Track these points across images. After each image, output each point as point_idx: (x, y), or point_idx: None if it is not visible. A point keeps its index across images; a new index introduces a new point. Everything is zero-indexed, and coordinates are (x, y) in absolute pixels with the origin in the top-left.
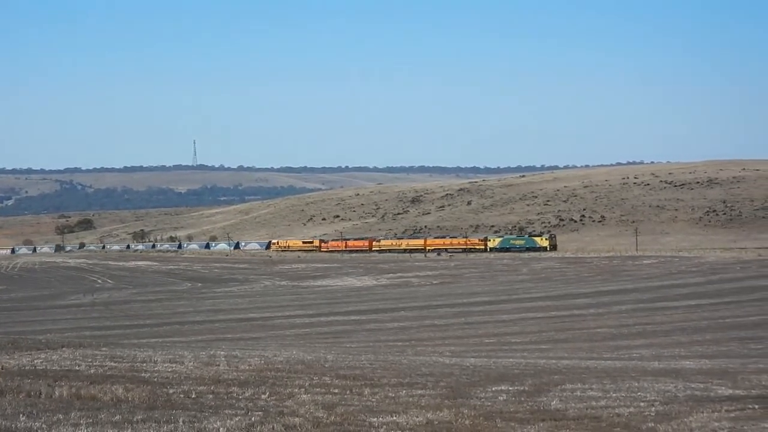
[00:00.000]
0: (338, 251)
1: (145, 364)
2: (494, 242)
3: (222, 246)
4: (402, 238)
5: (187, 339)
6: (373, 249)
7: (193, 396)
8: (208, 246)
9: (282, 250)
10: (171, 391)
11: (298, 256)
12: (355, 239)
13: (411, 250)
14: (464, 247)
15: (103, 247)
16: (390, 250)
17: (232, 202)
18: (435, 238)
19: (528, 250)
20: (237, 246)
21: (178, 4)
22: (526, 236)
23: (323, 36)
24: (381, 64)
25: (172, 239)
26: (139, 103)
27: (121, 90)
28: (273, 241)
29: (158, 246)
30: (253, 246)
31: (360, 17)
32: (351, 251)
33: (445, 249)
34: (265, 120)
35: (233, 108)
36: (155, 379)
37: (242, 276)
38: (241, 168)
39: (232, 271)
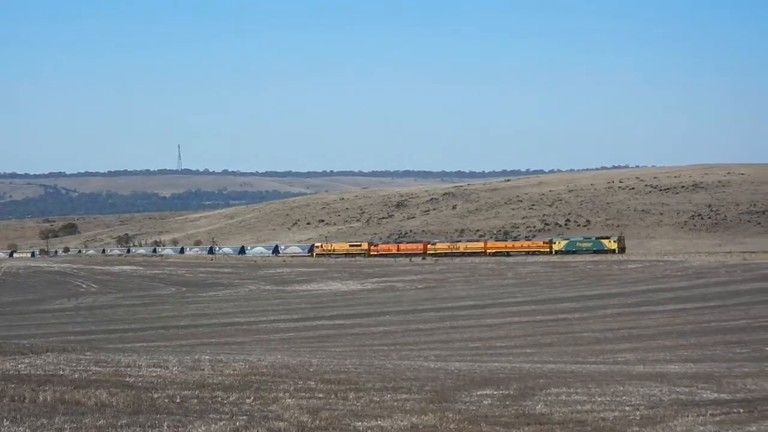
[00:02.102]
0: (390, 255)
1: (129, 369)
2: (560, 245)
3: (259, 250)
4: (459, 241)
5: (172, 343)
6: (428, 252)
7: (178, 401)
8: (243, 251)
9: (326, 254)
10: (155, 395)
11: (284, 261)
12: (409, 242)
13: (470, 254)
14: (528, 250)
15: (128, 251)
16: (447, 254)
17: (216, 206)
18: (496, 240)
19: (596, 252)
20: (276, 250)
21: (162, 9)
22: (594, 238)
23: (308, 40)
24: (366, 69)
25: (197, 242)
26: (124, 107)
27: (105, 94)
28: (316, 244)
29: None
30: (295, 249)
31: (344, 21)
32: (405, 255)
33: (507, 252)
34: (250, 124)
35: (217, 112)
36: (140, 384)
37: (227, 280)
38: (225, 172)
39: (217, 276)
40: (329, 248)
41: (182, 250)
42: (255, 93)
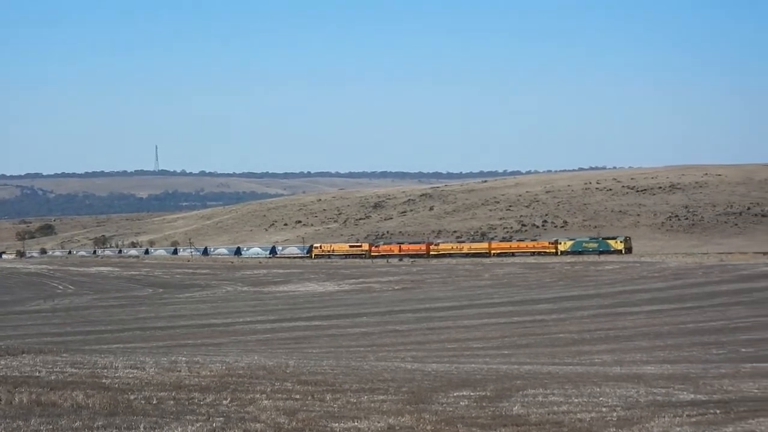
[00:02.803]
0: (390, 256)
1: (105, 370)
2: (565, 245)
3: (255, 251)
4: (463, 242)
5: (149, 345)
6: (431, 253)
7: (154, 402)
8: (239, 252)
9: (326, 256)
10: (132, 397)
11: (260, 262)
12: (410, 243)
13: (474, 255)
14: (533, 250)
15: (120, 251)
16: (450, 255)
17: (193, 207)
18: (500, 241)
19: (602, 253)
20: (273, 251)
21: (139, 10)
22: (600, 239)
23: (286, 41)
24: (343, 70)
25: (190, 243)
26: (101, 108)
27: (81, 95)
28: (315, 245)
29: (181, 251)
30: (293, 250)
31: (318, 23)
32: (406, 256)
33: (512, 253)
34: (227, 125)
35: (195, 113)
36: (116, 386)
37: (204, 281)
38: (202, 173)
39: (194, 277)
40: (329, 249)
41: (176, 251)
42: (232, 94)
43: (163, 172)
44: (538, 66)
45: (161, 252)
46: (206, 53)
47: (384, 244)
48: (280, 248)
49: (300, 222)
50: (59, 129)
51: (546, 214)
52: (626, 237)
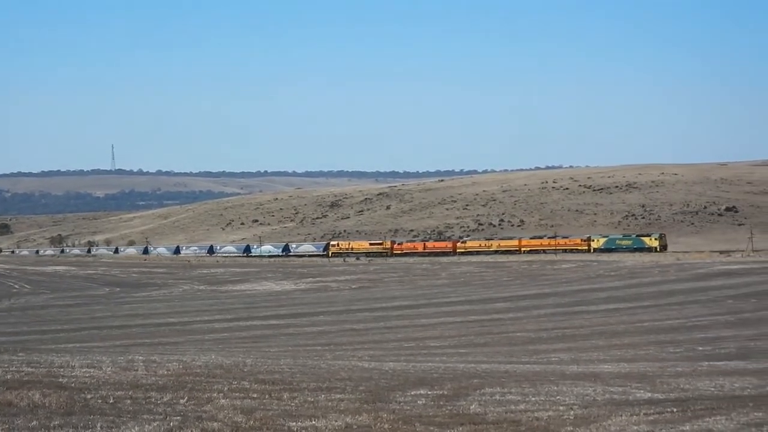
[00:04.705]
0: (415, 254)
1: (62, 370)
2: (598, 243)
3: (268, 248)
4: (492, 239)
5: (105, 344)
6: (458, 251)
7: (111, 401)
8: (248, 250)
9: (344, 254)
10: (89, 396)
11: (217, 261)
12: (436, 240)
13: (503, 252)
14: (564, 248)
15: (89, 251)
16: (478, 252)
17: (150, 206)
18: (531, 238)
19: (636, 251)
20: (286, 249)
21: (89, 9)
22: (634, 236)
23: (240, 41)
24: (298, 70)
25: (191, 242)
26: (57, 107)
27: (37, 94)
28: (332, 243)
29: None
30: (309, 248)
31: (273, 21)
32: (430, 254)
33: (543, 250)
34: (184, 124)
35: (151, 112)
36: (73, 385)
37: (161, 280)
38: (159, 172)
39: (151, 276)
40: (347, 247)
41: (178, 250)
42: (189, 93)
43: (120, 172)
44: (495, 66)
45: (131, 251)
46: (162, 53)
47: (407, 241)
48: (294, 246)
49: (257, 221)
50: (15, 128)
51: (503, 213)
52: (661, 234)
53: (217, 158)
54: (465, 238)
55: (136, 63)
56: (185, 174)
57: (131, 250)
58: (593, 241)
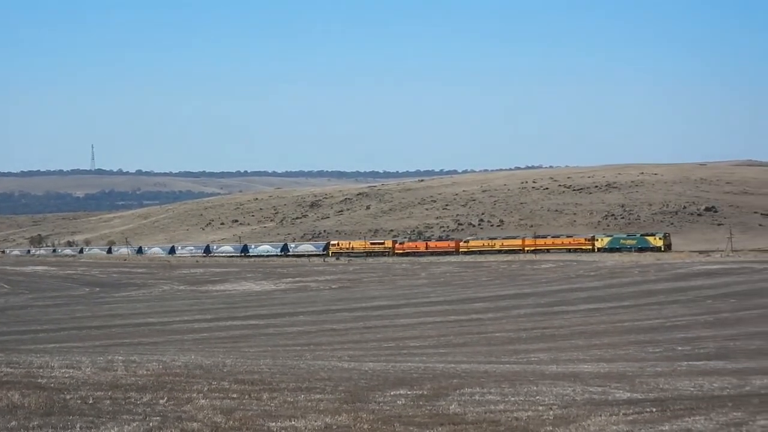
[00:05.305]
0: (416, 254)
1: (41, 370)
2: (602, 242)
3: (265, 248)
4: (495, 238)
5: (85, 344)
6: (461, 250)
7: (91, 402)
8: (245, 249)
9: (344, 254)
10: (68, 396)
11: (197, 261)
12: (439, 240)
13: (508, 251)
14: (569, 247)
15: (81, 249)
16: (481, 251)
17: (130, 206)
18: (534, 237)
19: (640, 250)
20: (285, 248)
21: (64, 8)
22: (638, 235)
23: (219, 42)
24: (276, 69)
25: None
26: (36, 107)
27: (17, 94)
28: (332, 242)
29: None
30: (308, 248)
31: (251, 23)
32: (434, 254)
33: (548, 250)
34: (164, 124)
35: (131, 112)
36: (52, 385)
37: (141, 280)
38: (139, 172)
39: (131, 276)
40: (347, 247)
41: (173, 250)
42: (169, 93)
43: (100, 172)
44: (474, 67)
45: (123, 250)
46: (141, 52)
47: (409, 241)
48: (292, 245)
49: (237, 221)
50: None
51: (482, 213)
52: (665, 234)
53: (196, 158)
54: (468, 238)
55: (115, 63)
56: (165, 174)
57: (123, 250)
58: (597, 240)
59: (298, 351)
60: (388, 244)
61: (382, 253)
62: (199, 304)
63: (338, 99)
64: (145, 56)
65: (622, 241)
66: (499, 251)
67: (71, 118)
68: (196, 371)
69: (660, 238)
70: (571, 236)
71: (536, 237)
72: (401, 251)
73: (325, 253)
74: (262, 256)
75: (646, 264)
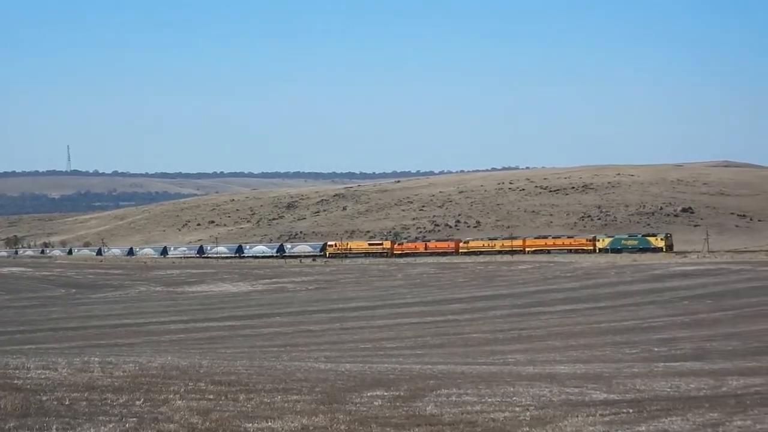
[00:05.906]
0: (415, 254)
1: (17, 371)
2: (604, 243)
3: (261, 249)
4: (496, 239)
5: (61, 345)
6: (461, 251)
7: (67, 403)
8: (240, 250)
9: (342, 255)
10: (44, 398)
11: (173, 262)
12: (438, 240)
13: (507, 252)
14: (570, 248)
15: (70, 251)
16: (481, 252)
17: (106, 207)
18: (535, 238)
19: (642, 251)
20: (281, 249)
21: (40, 8)
22: (640, 236)
23: (196, 43)
24: (254, 70)
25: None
26: (12, 107)
27: None
28: (329, 243)
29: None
30: (305, 249)
31: (232, 23)
32: (433, 254)
33: (548, 250)
34: (140, 125)
35: (107, 112)
36: (28, 386)
37: (117, 282)
38: (115, 173)
39: (107, 277)
40: (345, 247)
41: (164, 251)
42: (145, 94)
43: (76, 173)
44: (450, 66)
45: (116, 251)
46: (116, 53)
47: (408, 241)
48: (289, 246)
49: (213, 222)
50: None
51: (459, 215)
52: (667, 234)
53: (173, 159)
54: (468, 239)
55: (89, 64)
56: (141, 175)
57: (116, 250)
58: (599, 241)
59: (274, 352)
60: (387, 244)
61: (381, 254)
62: (176, 306)
63: (315, 100)
64: (119, 57)
65: (623, 241)
66: (500, 252)
67: (47, 119)
68: (172, 372)
69: (662, 239)
70: (572, 237)
71: (537, 237)
72: (400, 252)
73: (322, 254)
74: (258, 257)
75: (622, 265)
